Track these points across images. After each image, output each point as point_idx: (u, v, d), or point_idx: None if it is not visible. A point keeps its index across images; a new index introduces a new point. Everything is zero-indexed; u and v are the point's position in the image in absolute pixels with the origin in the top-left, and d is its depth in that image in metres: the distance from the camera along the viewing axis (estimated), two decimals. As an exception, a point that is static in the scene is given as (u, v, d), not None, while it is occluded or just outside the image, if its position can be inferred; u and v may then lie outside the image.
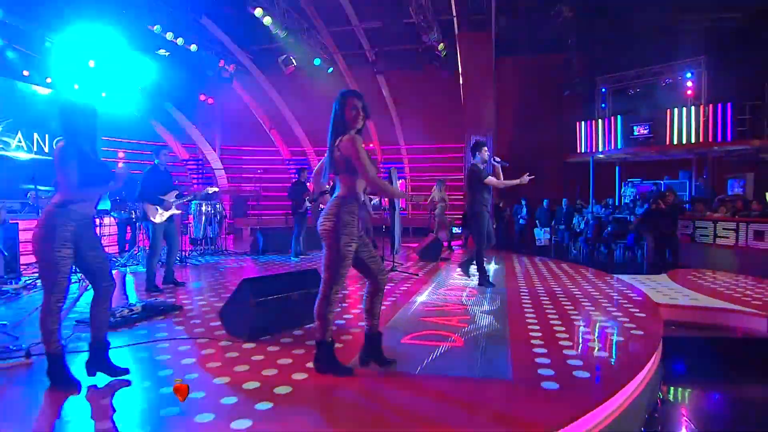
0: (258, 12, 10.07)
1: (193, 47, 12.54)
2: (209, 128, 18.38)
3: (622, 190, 14.50)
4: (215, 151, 18.59)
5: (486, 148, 5.95)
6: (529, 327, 4.06)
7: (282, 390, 2.74)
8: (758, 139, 12.14)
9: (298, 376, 2.93)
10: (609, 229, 11.81)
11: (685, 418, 3.38)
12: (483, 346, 3.54)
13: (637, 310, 4.67)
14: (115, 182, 2.82)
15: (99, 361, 2.86)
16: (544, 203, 13.67)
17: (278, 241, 10.06)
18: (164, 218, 5.85)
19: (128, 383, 2.82)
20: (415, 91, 15.63)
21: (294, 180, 9.17)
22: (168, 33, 11.45)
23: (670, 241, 9.03)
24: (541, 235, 12.98)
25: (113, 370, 2.87)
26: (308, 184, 9.19)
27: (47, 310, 2.66)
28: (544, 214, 13.42)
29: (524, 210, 14.12)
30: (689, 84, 13.40)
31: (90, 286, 2.90)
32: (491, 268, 7.71)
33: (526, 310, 4.73)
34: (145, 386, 2.79)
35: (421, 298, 5.37)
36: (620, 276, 7.01)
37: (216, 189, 7.39)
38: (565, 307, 4.86)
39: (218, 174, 18.63)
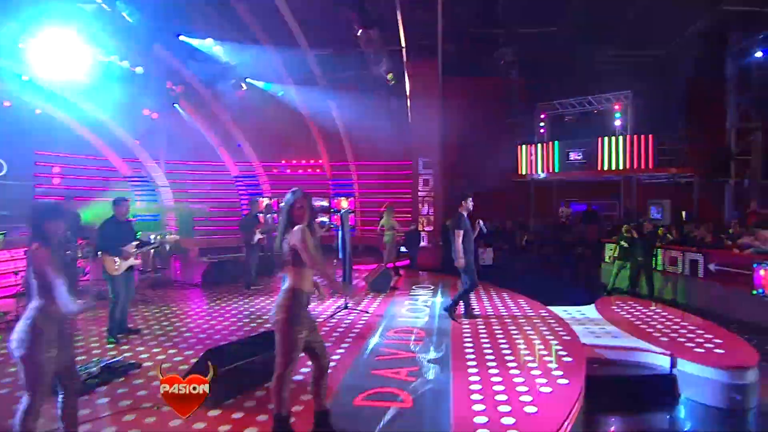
0: (209, 42, 10.12)
1: (139, 69, 12.32)
2: (153, 143, 17.96)
3: (560, 210, 15.55)
4: (160, 166, 18.19)
5: (471, 199, 6.81)
6: (470, 380, 4.51)
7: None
8: (675, 167, 13.46)
9: (263, 452, 3.22)
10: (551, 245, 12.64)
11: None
12: (429, 407, 3.96)
13: (566, 354, 5.26)
14: None
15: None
16: (488, 223, 14.41)
17: (231, 270, 10.12)
18: (122, 269, 5.85)
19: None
20: (364, 112, 16.00)
21: (245, 213, 9.30)
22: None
23: (646, 270, 9.22)
24: (485, 254, 13.68)
25: None
26: (259, 216, 9.36)
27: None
28: (488, 233, 14.14)
29: None
30: (617, 115, 14.60)
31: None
32: (437, 300, 8.26)
33: (467, 355, 5.21)
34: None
35: (374, 340, 5.77)
36: (553, 308, 7.66)
37: (177, 237, 7.46)
38: (503, 351, 5.39)
39: (163, 191, 18.24)
